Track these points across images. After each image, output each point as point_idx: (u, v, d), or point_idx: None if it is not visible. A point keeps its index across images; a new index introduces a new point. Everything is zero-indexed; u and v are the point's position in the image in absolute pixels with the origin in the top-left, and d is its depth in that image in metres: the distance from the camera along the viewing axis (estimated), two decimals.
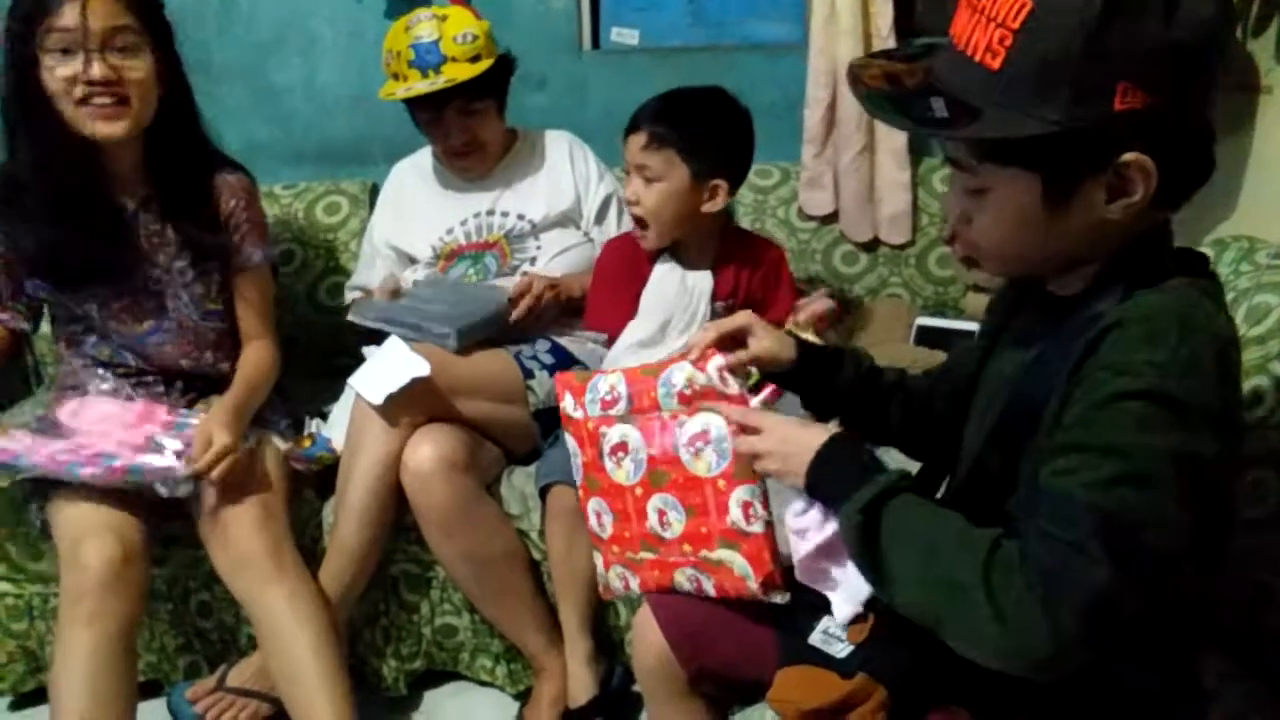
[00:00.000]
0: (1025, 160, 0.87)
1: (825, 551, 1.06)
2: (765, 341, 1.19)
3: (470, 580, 1.73)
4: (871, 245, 2.27)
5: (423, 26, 1.91)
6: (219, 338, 1.80)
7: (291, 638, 1.56)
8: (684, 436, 1.14)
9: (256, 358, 1.79)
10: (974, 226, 0.95)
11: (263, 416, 1.78)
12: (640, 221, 1.77)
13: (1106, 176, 0.85)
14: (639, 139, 1.72)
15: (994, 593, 0.83)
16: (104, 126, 1.57)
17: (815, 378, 1.22)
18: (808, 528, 1.06)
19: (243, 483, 1.63)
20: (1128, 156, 0.84)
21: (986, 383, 1.06)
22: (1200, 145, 0.89)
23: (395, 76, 1.94)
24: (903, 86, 0.91)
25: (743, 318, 1.20)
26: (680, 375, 1.15)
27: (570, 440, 1.26)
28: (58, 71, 1.53)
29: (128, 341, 1.74)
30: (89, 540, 1.52)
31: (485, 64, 1.92)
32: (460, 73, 1.88)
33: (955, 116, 0.87)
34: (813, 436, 1.03)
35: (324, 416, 1.87)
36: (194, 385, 1.81)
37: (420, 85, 1.89)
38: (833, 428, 1.07)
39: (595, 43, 2.41)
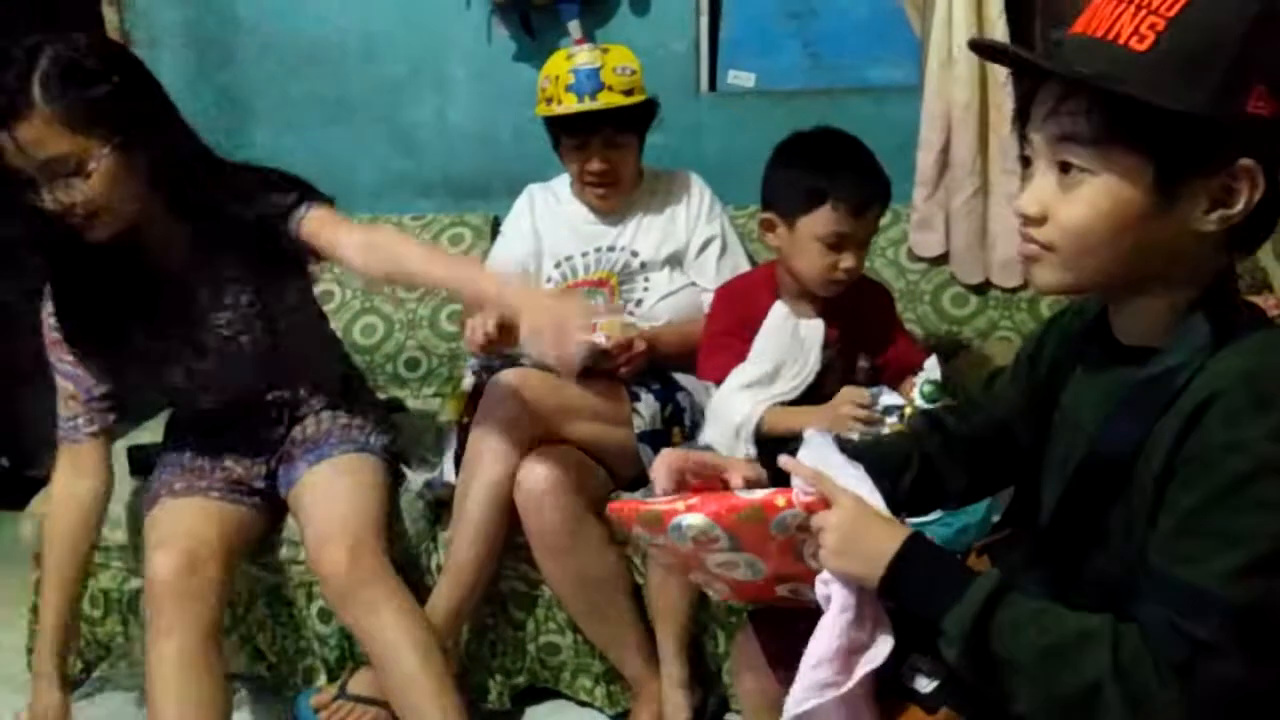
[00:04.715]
0: (1147, 141, 0.86)
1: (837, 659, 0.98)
2: (742, 478, 1.12)
3: (575, 600, 1.78)
4: (982, 288, 2.27)
5: (584, 55, 2.00)
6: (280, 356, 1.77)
7: (398, 659, 1.59)
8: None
9: (384, 239, 1.68)
10: (1055, 222, 0.91)
11: (356, 439, 1.82)
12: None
13: (1218, 179, 0.86)
14: (875, 212, 1.76)
15: (1128, 685, 0.84)
16: (89, 235, 1.52)
17: None
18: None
19: (346, 507, 1.70)
20: (1245, 161, 0.85)
21: (1060, 432, 1.05)
22: None
23: (549, 101, 2.00)
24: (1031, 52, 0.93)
25: (715, 460, 1.16)
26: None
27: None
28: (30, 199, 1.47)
29: (217, 381, 1.73)
30: (159, 551, 1.62)
31: (639, 98, 2.00)
32: (615, 101, 1.95)
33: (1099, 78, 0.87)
34: (888, 532, 0.97)
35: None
36: (278, 417, 1.82)
37: (576, 105, 1.96)
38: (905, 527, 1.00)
39: (713, 85, 2.47)
